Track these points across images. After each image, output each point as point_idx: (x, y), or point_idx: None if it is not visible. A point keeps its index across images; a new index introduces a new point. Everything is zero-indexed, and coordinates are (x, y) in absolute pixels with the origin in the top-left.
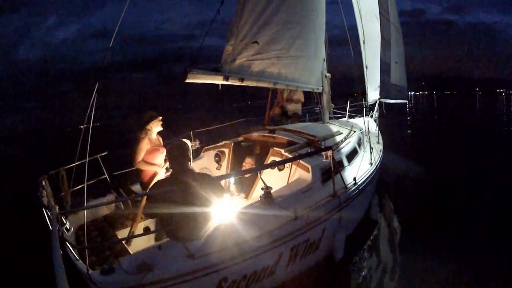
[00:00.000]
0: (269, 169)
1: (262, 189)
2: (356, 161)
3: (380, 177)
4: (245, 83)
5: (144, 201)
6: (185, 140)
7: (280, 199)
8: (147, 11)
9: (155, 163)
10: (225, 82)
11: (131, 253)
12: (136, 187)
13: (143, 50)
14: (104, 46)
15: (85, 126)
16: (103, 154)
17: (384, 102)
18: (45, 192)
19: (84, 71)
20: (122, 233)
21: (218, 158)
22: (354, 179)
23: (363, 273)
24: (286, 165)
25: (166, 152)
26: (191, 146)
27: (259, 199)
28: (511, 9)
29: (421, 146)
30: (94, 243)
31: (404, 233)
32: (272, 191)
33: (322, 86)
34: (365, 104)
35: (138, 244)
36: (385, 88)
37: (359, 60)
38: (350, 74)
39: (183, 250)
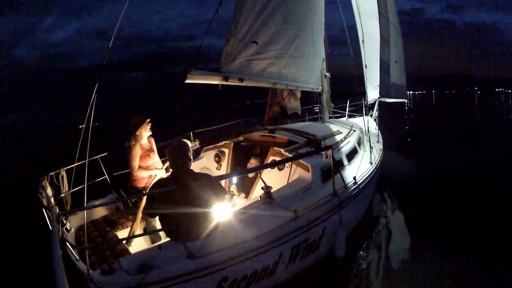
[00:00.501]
0: (269, 169)
1: (262, 188)
2: (356, 160)
3: (380, 176)
4: (244, 83)
5: (144, 201)
6: (185, 140)
7: (280, 199)
8: (145, 11)
9: (151, 169)
10: (224, 83)
11: (131, 253)
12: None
13: (142, 49)
14: (103, 46)
15: (85, 126)
16: (103, 154)
17: (384, 102)
18: (45, 193)
19: (83, 70)
20: (122, 233)
21: (218, 158)
22: (354, 178)
23: (364, 272)
24: (286, 164)
25: (166, 153)
26: (191, 146)
27: (259, 198)
28: (510, 8)
29: (421, 145)
30: (94, 243)
31: (404, 232)
32: (272, 191)
33: (321, 86)
34: (364, 103)
35: (138, 244)
36: (385, 87)
37: (359, 60)
38: (350, 74)
39: (183, 250)
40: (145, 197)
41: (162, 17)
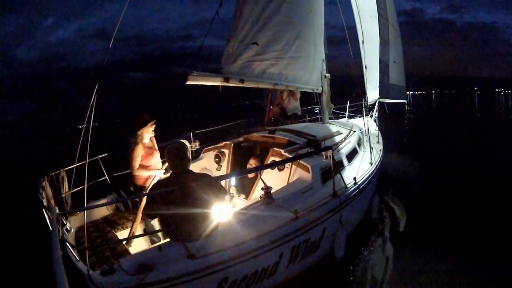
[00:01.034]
0: (269, 169)
1: (262, 189)
2: (356, 161)
3: (380, 176)
4: (245, 84)
5: (144, 202)
6: (183, 141)
7: (280, 199)
8: (145, 11)
9: (152, 167)
10: (225, 84)
11: (132, 253)
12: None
13: (142, 49)
14: (103, 46)
15: (85, 126)
16: (103, 155)
17: (384, 102)
18: (45, 193)
19: (83, 71)
20: (122, 234)
21: (218, 159)
22: (354, 179)
23: (363, 272)
24: (286, 165)
25: (165, 154)
26: (190, 147)
27: (259, 199)
28: (510, 8)
29: (420, 146)
30: (94, 243)
31: (404, 232)
32: (272, 191)
33: (321, 86)
34: (364, 104)
35: (138, 245)
36: (384, 88)
37: (359, 60)
38: (349, 74)
39: (183, 251)
40: (145, 197)
41: (162, 17)
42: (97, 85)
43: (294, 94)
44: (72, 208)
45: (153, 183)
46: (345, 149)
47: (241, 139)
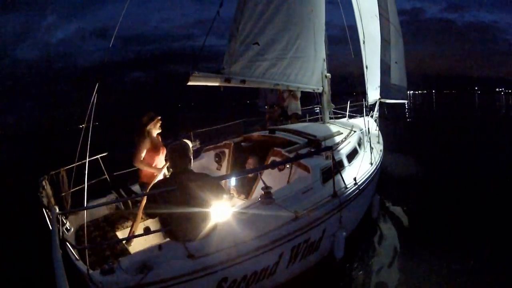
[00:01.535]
0: (269, 169)
1: (262, 189)
2: (356, 161)
3: (380, 177)
4: (246, 85)
5: (144, 201)
6: (186, 140)
7: (280, 199)
8: (145, 11)
9: (155, 165)
10: (227, 84)
11: (131, 253)
12: (136, 187)
13: (142, 49)
14: (103, 46)
15: (85, 125)
16: (103, 154)
17: (385, 102)
18: (45, 193)
19: (83, 70)
20: (122, 233)
21: (218, 158)
22: (355, 179)
23: (363, 273)
24: (287, 165)
25: (166, 153)
26: (191, 146)
27: (259, 199)
28: (510, 8)
29: (421, 146)
30: (94, 243)
31: (404, 233)
32: (272, 191)
33: (322, 86)
34: (365, 104)
35: (138, 244)
36: (385, 88)
37: (360, 60)
38: (350, 74)
39: (183, 250)
40: (145, 197)
41: (163, 16)
42: (97, 84)
43: (294, 94)
44: (72, 208)
45: (154, 181)
46: (345, 149)
47: (241, 138)
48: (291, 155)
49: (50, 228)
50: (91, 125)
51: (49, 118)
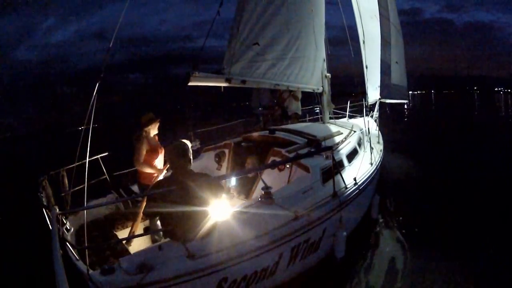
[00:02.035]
0: (269, 169)
1: (262, 189)
2: (356, 161)
3: (380, 177)
4: (247, 85)
5: (144, 202)
6: (185, 141)
7: (280, 199)
8: (144, 12)
9: (156, 166)
10: (227, 84)
11: (131, 253)
12: (136, 187)
13: (140, 51)
14: (102, 47)
15: (85, 126)
16: (104, 154)
17: (385, 102)
18: (45, 193)
19: (83, 71)
20: (122, 233)
21: (218, 158)
22: (355, 179)
23: (364, 273)
24: (287, 165)
25: (166, 153)
26: (191, 146)
27: (259, 199)
28: (509, 8)
29: (421, 146)
30: (94, 243)
31: (404, 232)
32: (272, 191)
33: (322, 86)
34: (365, 104)
35: (138, 244)
36: (386, 88)
37: (359, 60)
38: (350, 74)
39: (183, 250)
40: (145, 197)
41: (161, 18)
42: (97, 84)
43: (295, 95)
44: (72, 208)
45: (154, 181)
46: (345, 149)
47: (241, 138)
48: (291, 155)
49: (50, 228)
50: (91, 126)
51: (48, 119)
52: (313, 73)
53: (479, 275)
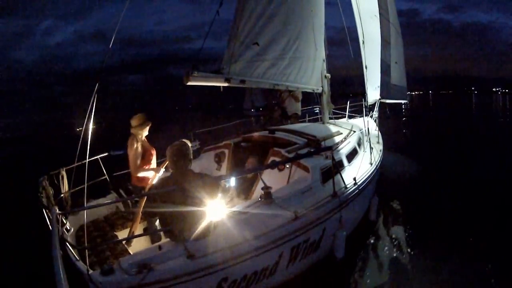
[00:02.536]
0: (269, 169)
1: (262, 189)
2: (356, 161)
3: (380, 177)
4: (246, 85)
5: (143, 202)
6: (185, 140)
7: (280, 199)
8: (142, 13)
9: (150, 167)
10: (226, 84)
11: (131, 253)
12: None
13: (138, 52)
14: (100, 48)
15: (85, 126)
16: (103, 155)
17: (385, 102)
18: (45, 193)
19: (81, 72)
20: (122, 234)
21: (218, 159)
22: (354, 179)
23: (363, 273)
24: (286, 165)
25: (166, 153)
26: (191, 146)
27: (259, 199)
28: (506, 8)
29: (420, 146)
30: (94, 243)
31: (404, 232)
32: (272, 191)
33: (322, 87)
34: (365, 104)
35: (138, 245)
36: (385, 88)
37: (359, 61)
38: (350, 75)
39: (183, 250)
40: (145, 197)
41: (159, 19)
42: (97, 85)
43: (294, 95)
44: (72, 208)
45: (152, 182)
46: (345, 149)
47: (241, 139)
48: (291, 155)
49: (50, 228)
50: (91, 126)
51: (47, 120)
52: (312, 73)
53: (479, 275)
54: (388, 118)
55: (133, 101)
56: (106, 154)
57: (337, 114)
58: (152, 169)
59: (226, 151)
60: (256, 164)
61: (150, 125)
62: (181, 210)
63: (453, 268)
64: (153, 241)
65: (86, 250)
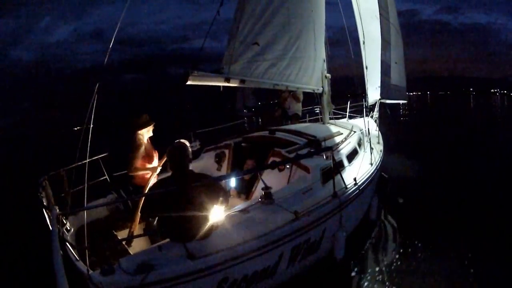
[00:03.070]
0: (270, 170)
1: (262, 189)
2: (356, 161)
3: (380, 177)
4: (246, 85)
5: (141, 202)
6: (183, 141)
7: (280, 200)
8: (140, 13)
9: (149, 167)
10: (226, 84)
11: (131, 253)
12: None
13: (136, 51)
14: (98, 47)
15: (85, 126)
16: (104, 155)
17: (385, 103)
18: (45, 193)
19: (79, 71)
20: (122, 234)
21: (218, 159)
22: (355, 179)
23: (363, 273)
24: (287, 165)
25: (166, 153)
26: (191, 146)
27: (260, 199)
28: (505, 9)
29: (420, 146)
30: (94, 243)
31: (404, 233)
32: (272, 192)
33: (322, 87)
34: (365, 104)
35: (138, 245)
36: (386, 89)
37: (359, 61)
38: (350, 75)
39: (183, 251)
40: (144, 197)
41: (157, 18)
42: (97, 85)
43: (296, 96)
44: (72, 208)
45: (151, 183)
46: (345, 149)
47: (241, 139)
48: (291, 156)
49: (50, 228)
50: (91, 126)
51: (46, 119)
52: (313, 73)
53: (479, 275)
54: (388, 118)
55: (131, 99)
56: (106, 154)
57: (337, 114)
58: (149, 169)
59: (227, 151)
60: (254, 165)
61: (153, 125)
62: (183, 214)
63: (453, 268)
64: (153, 242)
65: (86, 250)
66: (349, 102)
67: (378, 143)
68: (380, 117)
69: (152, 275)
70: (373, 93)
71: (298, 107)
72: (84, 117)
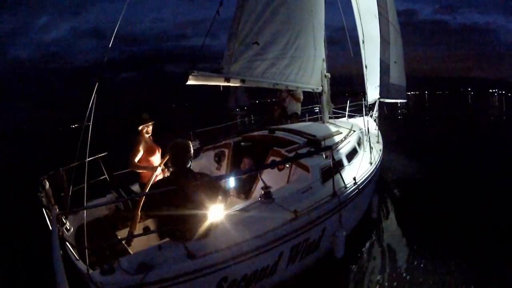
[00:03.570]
0: (269, 169)
1: (262, 188)
2: (356, 160)
3: (380, 176)
4: (246, 84)
5: (141, 201)
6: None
7: (280, 199)
8: (139, 10)
9: (150, 165)
10: (226, 84)
11: (131, 253)
12: (136, 187)
13: (135, 49)
14: (97, 45)
15: (84, 125)
16: (103, 154)
17: (384, 102)
18: (45, 192)
19: (79, 69)
20: (122, 233)
21: (218, 158)
22: (354, 178)
23: (363, 272)
24: (286, 164)
25: (168, 150)
26: (191, 145)
27: (259, 199)
28: (503, 9)
29: (420, 146)
30: (94, 243)
31: (404, 232)
32: (272, 191)
33: (321, 86)
34: (365, 103)
35: (138, 244)
36: (385, 88)
37: (359, 60)
38: (350, 74)
39: (183, 250)
40: (144, 196)
41: (155, 16)
42: (97, 84)
43: (295, 96)
44: (72, 207)
45: (151, 180)
46: (345, 148)
47: (241, 138)
48: (291, 155)
49: (50, 228)
50: (91, 125)
51: (45, 117)
52: (312, 72)
53: (479, 275)
54: (387, 118)
55: (129, 97)
56: (106, 153)
57: (337, 114)
58: (150, 165)
59: (226, 150)
60: (251, 164)
61: (152, 124)
62: (182, 212)
63: (453, 268)
64: (152, 242)
65: (86, 250)
66: (348, 102)
67: (378, 142)
68: (379, 116)
69: (152, 274)
70: (373, 92)
71: (297, 107)
72: (83, 115)
